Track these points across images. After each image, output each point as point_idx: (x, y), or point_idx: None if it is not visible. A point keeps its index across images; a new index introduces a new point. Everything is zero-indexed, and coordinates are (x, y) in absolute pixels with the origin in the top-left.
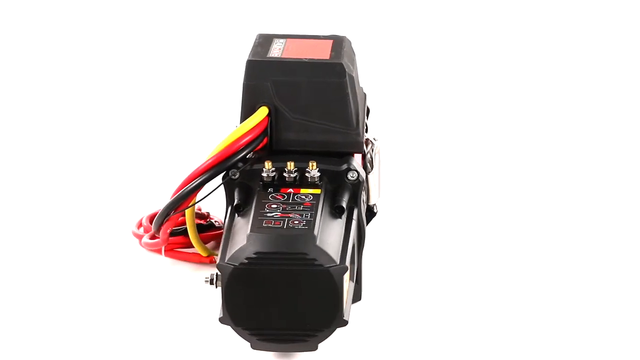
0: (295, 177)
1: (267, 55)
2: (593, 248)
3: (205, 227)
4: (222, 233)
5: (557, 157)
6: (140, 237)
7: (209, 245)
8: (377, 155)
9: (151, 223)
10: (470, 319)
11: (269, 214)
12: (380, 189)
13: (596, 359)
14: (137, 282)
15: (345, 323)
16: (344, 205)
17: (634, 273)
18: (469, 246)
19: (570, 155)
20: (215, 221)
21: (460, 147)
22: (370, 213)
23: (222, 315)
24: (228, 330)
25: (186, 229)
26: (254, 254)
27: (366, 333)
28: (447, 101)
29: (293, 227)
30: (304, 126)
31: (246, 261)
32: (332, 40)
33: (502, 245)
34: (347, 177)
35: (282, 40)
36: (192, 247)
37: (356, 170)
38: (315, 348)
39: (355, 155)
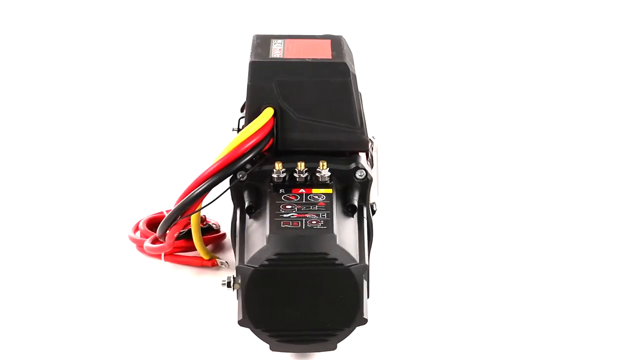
0: (306, 178)
1: (270, 56)
2: (592, 247)
3: (204, 230)
4: (220, 236)
5: (557, 155)
6: (137, 241)
7: (208, 247)
8: (375, 154)
9: (148, 227)
10: (472, 315)
11: (285, 215)
12: (379, 187)
13: (596, 359)
14: (141, 288)
15: (365, 321)
16: (356, 204)
17: (633, 273)
18: (468, 243)
19: (569, 152)
20: (213, 224)
21: (458, 144)
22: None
23: (241, 318)
24: (242, 332)
25: (185, 232)
26: (275, 255)
27: (376, 330)
28: (445, 99)
29: (312, 227)
30: (309, 126)
31: (267, 263)
32: (330, 40)
33: (501, 242)
34: (355, 176)
35: (280, 41)
36: (190, 250)
37: (364, 169)
38: (334, 347)
39: (360, 153)
